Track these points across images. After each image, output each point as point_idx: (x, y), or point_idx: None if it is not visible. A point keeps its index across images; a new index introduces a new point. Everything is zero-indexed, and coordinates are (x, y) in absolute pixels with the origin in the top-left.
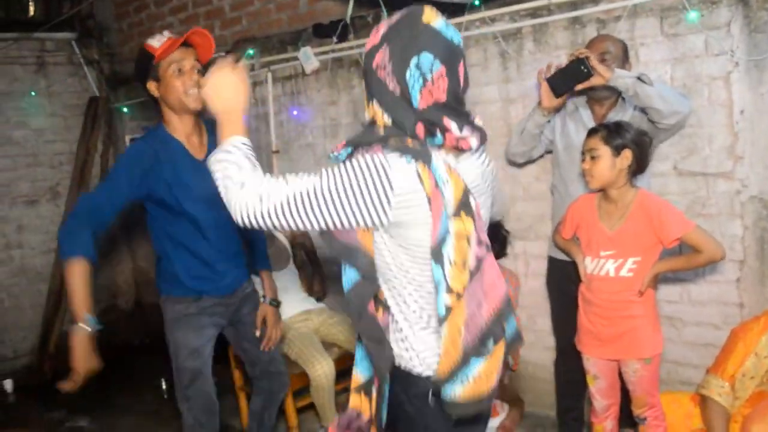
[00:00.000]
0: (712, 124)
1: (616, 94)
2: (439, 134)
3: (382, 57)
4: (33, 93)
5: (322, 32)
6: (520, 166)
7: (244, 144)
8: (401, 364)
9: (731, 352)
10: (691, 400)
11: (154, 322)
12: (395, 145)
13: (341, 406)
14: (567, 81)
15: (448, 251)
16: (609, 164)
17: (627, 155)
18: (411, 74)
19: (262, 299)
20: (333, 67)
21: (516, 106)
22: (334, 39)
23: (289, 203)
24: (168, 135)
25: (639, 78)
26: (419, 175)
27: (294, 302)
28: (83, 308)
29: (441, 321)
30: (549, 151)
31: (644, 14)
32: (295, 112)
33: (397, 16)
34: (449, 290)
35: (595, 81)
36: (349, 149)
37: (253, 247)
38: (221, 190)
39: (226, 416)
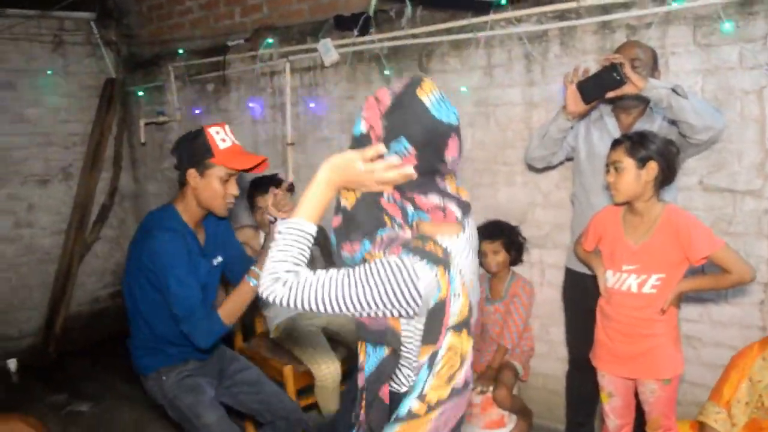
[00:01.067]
0: (743, 140)
1: (644, 104)
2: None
3: (377, 129)
4: (49, 72)
5: (344, 24)
6: (540, 171)
7: (307, 236)
8: None
9: (727, 378)
10: (691, 428)
11: None
12: (417, 250)
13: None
14: (598, 87)
15: (438, 361)
16: (634, 177)
17: (652, 167)
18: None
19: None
20: (353, 60)
21: (539, 110)
22: (355, 32)
23: (317, 304)
24: (183, 223)
25: (673, 89)
26: (438, 281)
27: None
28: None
29: (398, 419)
30: (569, 159)
31: (677, 22)
32: (312, 104)
33: (401, 85)
34: (421, 397)
35: (627, 89)
36: (367, 247)
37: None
38: (267, 259)
39: None
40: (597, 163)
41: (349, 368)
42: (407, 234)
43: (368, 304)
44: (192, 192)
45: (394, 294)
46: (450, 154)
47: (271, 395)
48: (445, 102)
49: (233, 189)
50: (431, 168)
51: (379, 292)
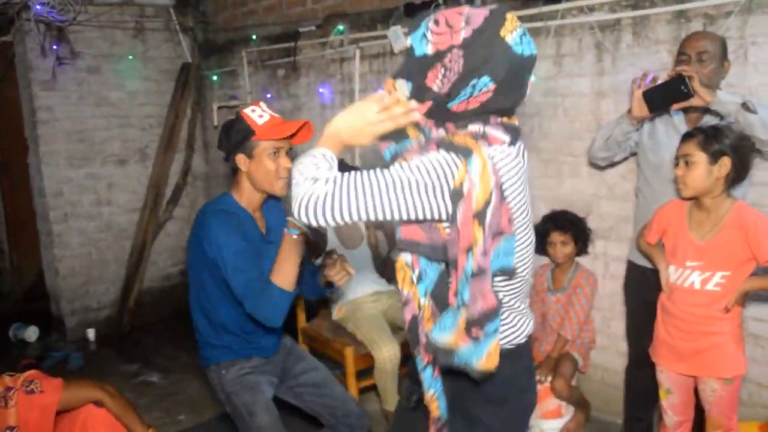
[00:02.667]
0: None
1: None
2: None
3: (452, 61)
4: (131, 57)
5: (414, 12)
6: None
7: (330, 156)
8: None
9: None
10: (759, 430)
11: None
12: (445, 144)
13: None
14: (665, 98)
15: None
16: (705, 172)
17: (725, 163)
18: (464, 91)
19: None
20: None
21: (607, 100)
22: None
23: (357, 192)
24: (239, 206)
25: (743, 104)
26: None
27: (365, 282)
28: None
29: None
30: (633, 153)
31: (759, 11)
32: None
33: (480, 20)
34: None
35: (694, 102)
36: (393, 149)
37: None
38: (293, 185)
39: None
40: (662, 157)
41: (409, 352)
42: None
43: (409, 200)
44: (246, 178)
45: (433, 186)
46: (526, 91)
47: (336, 399)
48: (526, 36)
49: (286, 162)
50: (501, 105)
51: (418, 185)
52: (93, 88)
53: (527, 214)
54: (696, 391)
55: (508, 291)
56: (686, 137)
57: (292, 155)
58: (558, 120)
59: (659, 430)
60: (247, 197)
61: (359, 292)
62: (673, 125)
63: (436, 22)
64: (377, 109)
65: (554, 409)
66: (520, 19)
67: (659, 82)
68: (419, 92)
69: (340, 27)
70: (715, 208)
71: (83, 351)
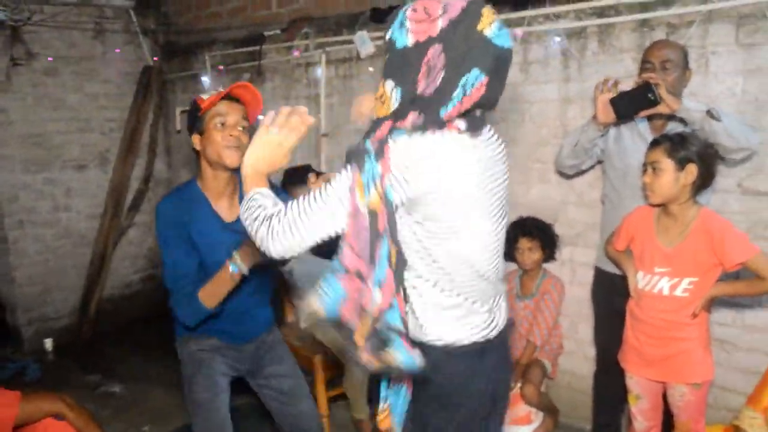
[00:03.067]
0: None
1: None
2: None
3: (434, 57)
4: (89, 59)
5: (380, 17)
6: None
7: (266, 192)
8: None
9: (766, 384)
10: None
11: None
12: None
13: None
14: (632, 106)
15: None
16: (672, 179)
17: (692, 170)
18: (456, 93)
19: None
20: None
21: (574, 107)
22: None
23: (302, 217)
24: (199, 192)
25: (708, 112)
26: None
27: None
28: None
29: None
30: (600, 161)
31: (719, 20)
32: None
33: (456, 11)
34: None
35: (661, 109)
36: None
37: None
38: (251, 233)
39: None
40: (628, 164)
41: None
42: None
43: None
44: (203, 158)
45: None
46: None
47: (299, 415)
48: (503, 29)
49: (232, 130)
50: (491, 99)
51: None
52: (50, 91)
53: (484, 205)
54: (664, 396)
55: (439, 291)
56: (654, 144)
57: (251, 131)
58: (525, 126)
59: None
60: (209, 182)
61: None
62: (638, 132)
63: (414, 10)
64: (275, 130)
65: (524, 416)
66: None
67: (623, 88)
68: (409, 101)
69: (306, 31)
70: (682, 214)
71: (41, 362)
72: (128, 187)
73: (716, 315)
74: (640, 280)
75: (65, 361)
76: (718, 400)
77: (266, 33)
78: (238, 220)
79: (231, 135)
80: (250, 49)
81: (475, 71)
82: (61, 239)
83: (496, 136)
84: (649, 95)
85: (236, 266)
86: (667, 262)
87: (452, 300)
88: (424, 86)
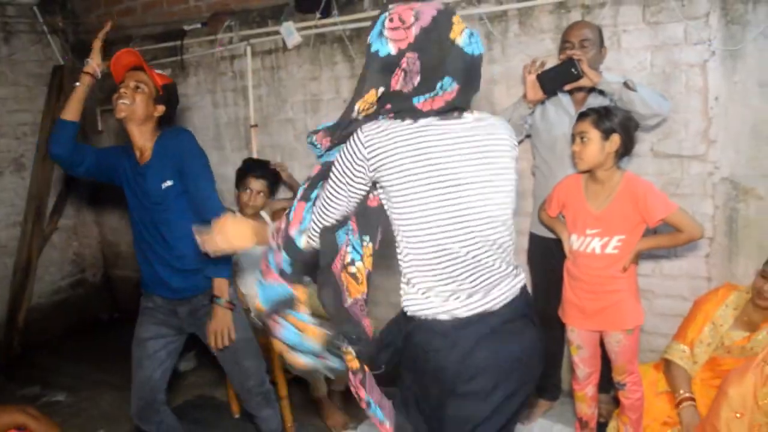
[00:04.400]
0: (688, 110)
1: None
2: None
3: (410, 63)
4: None
5: (306, 7)
6: None
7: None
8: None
9: (692, 320)
10: (654, 368)
11: (123, 296)
12: None
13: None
14: (557, 80)
15: None
16: (598, 147)
17: (615, 139)
18: (431, 91)
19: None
20: (315, 42)
21: (500, 86)
22: (318, 14)
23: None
24: (130, 142)
25: (625, 83)
26: None
27: None
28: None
29: None
30: (528, 135)
31: (628, 2)
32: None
33: (428, 19)
34: None
35: (583, 83)
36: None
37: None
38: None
39: (208, 388)
40: (555, 136)
41: None
42: None
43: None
44: None
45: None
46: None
47: (245, 371)
48: (474, 35)
49: (123, 91)
50: (463, 102)
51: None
52: None
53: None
54: (602, 344)
55: (410, 265)
56: (581, 117)
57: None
58: None
59: (572, 383)
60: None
61: None
62: (562, 106)
63: (391, 20)
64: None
65: None
66: None
67: (549, 66)
68: (387, 95)
69: (230, 24)
70: (608, 179)
71: None
72: (49, 191)
73: (638, 267)
74: (574, 242)
75: None
76: (643, 343)
77: (186, 27)
78: (148, 165)
79: (119, 92)
80: (171, 44)
81: (448, 79)
82: None
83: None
84: (573, 70)
85: (221, 300)
86: (597, 224)
87: (416, 273)
88: (402, 84)
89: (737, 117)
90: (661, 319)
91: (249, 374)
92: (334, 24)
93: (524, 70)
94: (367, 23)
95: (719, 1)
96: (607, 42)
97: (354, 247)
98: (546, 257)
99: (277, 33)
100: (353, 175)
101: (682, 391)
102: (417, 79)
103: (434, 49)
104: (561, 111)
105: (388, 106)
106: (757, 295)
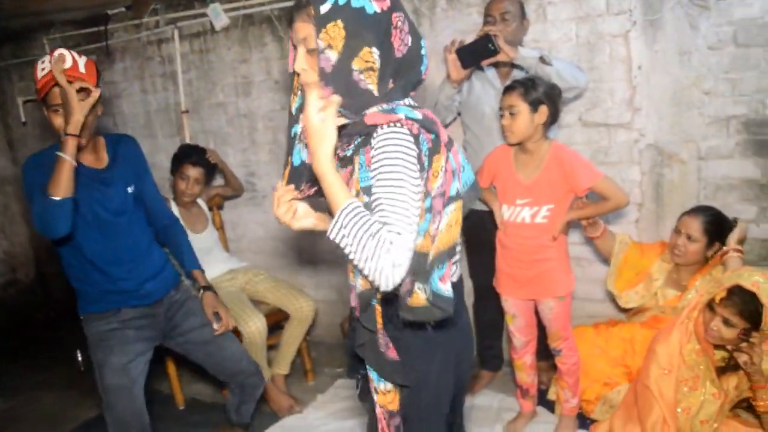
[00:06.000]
0: (613, 79)
1: None
2: None
3: (400, 22)
4: None
5: None
6: None
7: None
8: None
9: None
10: (594, 329)
11: (57, 294)
12: None
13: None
14: (474, 56)
15: None
16: (528, 120)
17: (543, 110)
18: (424, 53)
19: (198, 291)
20: (244, 24)
21: (429, 61)
22: None
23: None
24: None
25: (540, 58)
26: None
27: (218, 262)
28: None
29: None
30: (459, 113)
31: None
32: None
33: None
34: None
35: (500, 58)
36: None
37: (176, 251)
38: (358, 263)
39: (153, 382)
40: (482, 111)
41: (274, 322)
42: None
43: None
44: None
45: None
46: (400, 50)
47: (226, 358)
48: None
49: (56, 120)
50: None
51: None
52: None
53: None
54: (536, 312)
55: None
56: (508, 90)
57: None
58: None
59: (510, 353)
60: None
61: (214, 272)
62: (488, 80)
63: None
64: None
65: None
66: None
67: (467, 42)
68: (389, 62)
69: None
70: (537, 150)
71: None
72: None
73: (570, 236)
74: (505, 212)
75: None
76: (578, 310)
77: (110, 12)
78: (109, 171)
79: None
80: (94, 30)
81: (367, 50)
82: None
83: None
84: (489, 45)
85: (208, 288)
86: (527, 194)
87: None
88: (398, 47)
89: (659, 85)
90: (594, 285)
91: (239, 355)
92: (262, 4)
93: (445, 51)
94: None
95: None
96: (533, 14)
97: None
98: (478, 229)
99: (204, 15)
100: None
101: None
102: (408, 39)
103: (333, 16)
104: (487, 85)
105: (391, 84)
106: (671, 251)
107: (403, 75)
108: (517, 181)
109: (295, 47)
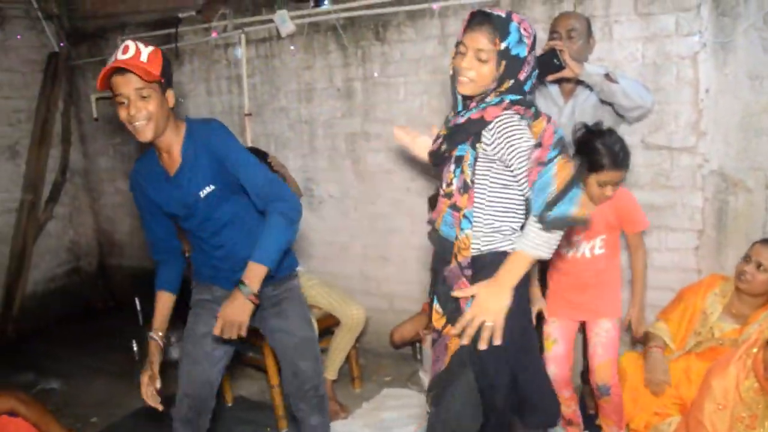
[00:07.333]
0: (679, 101)
1: None
2: None
3: (532, 60)
4: None
5: None
6: None
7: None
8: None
9: (675, 305)
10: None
11: (118, 285)
12: None
13: None
14: (539, 70)
15: None
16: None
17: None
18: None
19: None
20: (309, 31)
21: None
22: (311, 3)
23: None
24: (153, 151)
25: (607, 75)
26: None
27: None
28: (155, 325)
29: None
30: None
31: None
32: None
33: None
34: None
35: (565, 73)
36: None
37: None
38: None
39: None
40: None
41: (324, 329)
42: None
43: None
44: None
45: None
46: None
47: (299, 373)
48: None
49: (134, 107)
50: None
51: None
52: None
53: None
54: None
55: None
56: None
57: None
58: (446, 97)
59: None
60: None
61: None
62: (551, 97)
63: (525, 29)
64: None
65: None
66: (403, 1)
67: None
68: (516, 86)
69: (223, 13)
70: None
71: None
72: (44, 179)
73: (627, 259)
74: (569, 251)
75: None
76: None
77: (181, 15)
78: (179, 172)
79: (134, 109)
80: (165, 31)
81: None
82: None
83: None
84: (555, 60)
85: (247, 289)
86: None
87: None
88: (525, 77)
89: (727, 109)
90: (651, 311)
91: (306, 376)
92: (328, 13)
93: None
94: (361, 12)
95: None
96: (598, 33)
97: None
98: None
99: (271, 21)
100: None
101: (652, 344)
102: (529, 69)
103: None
104: (550, 102)
105: (507, 99)
106: (737, 277)
107: (514, 91)
108: None
109: (459, 44)
